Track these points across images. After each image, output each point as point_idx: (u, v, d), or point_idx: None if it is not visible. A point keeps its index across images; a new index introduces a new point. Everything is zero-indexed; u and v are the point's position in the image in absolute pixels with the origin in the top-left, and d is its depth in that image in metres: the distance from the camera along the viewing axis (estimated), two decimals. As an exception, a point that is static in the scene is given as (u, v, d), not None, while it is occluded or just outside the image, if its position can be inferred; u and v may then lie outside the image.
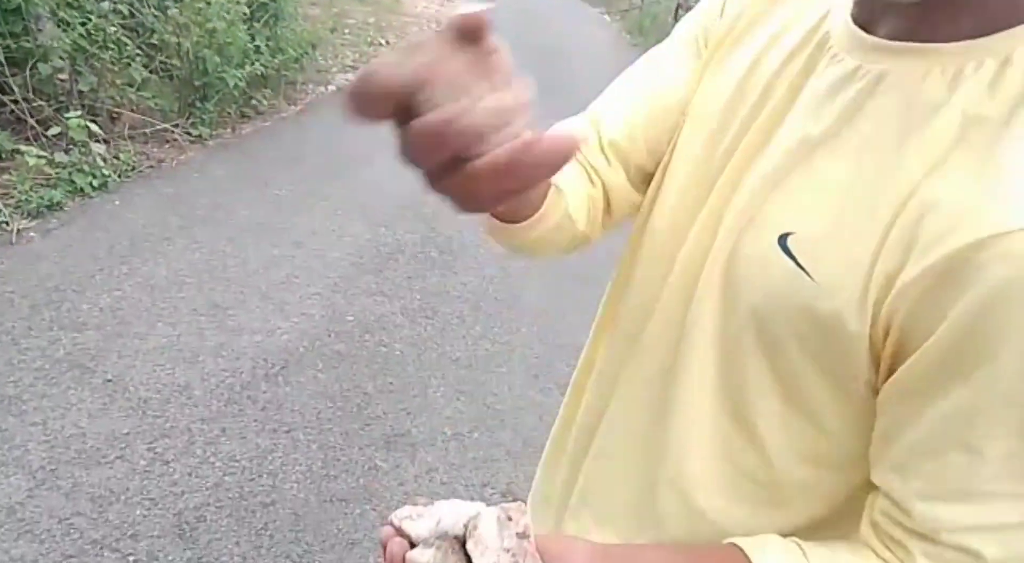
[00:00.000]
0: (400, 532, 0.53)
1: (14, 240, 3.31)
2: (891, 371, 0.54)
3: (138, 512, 2.16)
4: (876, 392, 0.56)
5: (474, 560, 0.50)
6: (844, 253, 0.54)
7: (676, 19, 14.76)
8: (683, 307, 0.67)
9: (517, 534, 0.51)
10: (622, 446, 0.76)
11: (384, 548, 0.54)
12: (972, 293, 0.47)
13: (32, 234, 3.40)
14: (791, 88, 0.63)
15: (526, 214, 0.68)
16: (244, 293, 3.27)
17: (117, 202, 3.85)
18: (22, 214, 3.48)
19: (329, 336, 3.10)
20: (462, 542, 0.51)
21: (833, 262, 0.54)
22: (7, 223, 3.36)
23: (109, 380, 2.63)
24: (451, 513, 0.53)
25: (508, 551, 0.50)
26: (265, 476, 2.37)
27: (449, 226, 4.36)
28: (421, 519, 0.53)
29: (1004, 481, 0.50)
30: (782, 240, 0.57)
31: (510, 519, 0.52)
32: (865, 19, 0.58)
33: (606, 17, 17.04)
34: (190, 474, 2.31)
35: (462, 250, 4.10)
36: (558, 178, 0.70)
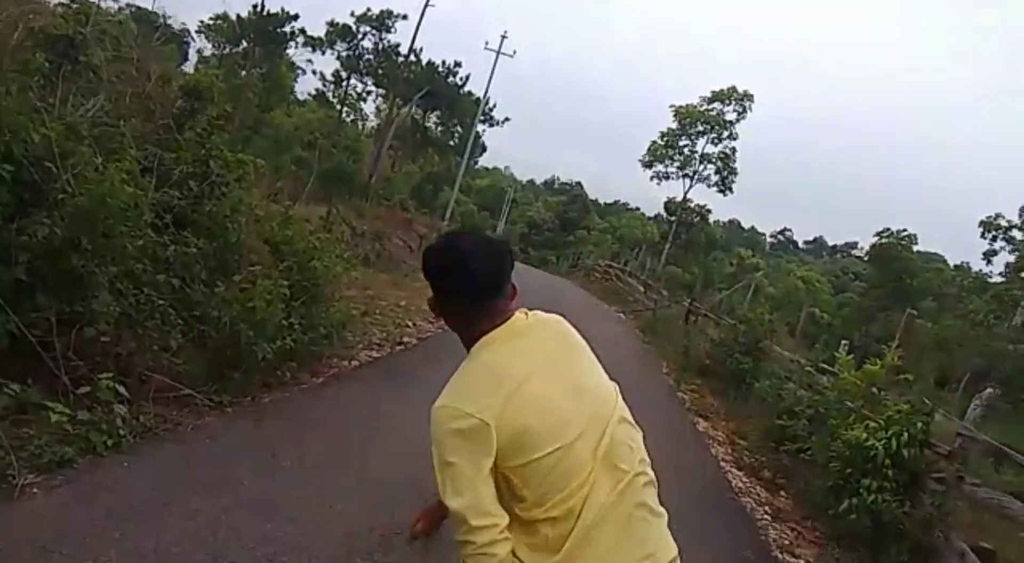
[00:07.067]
0: None
1: (16, 495, 3.23)
2: None
3: None
4: None
5: None
6: None
7: (687, 323, 15.81)
8: None
9: None
10: None
11: None
12: None
13: (36, 490, 3.32)
14: None
15: None
16: (229, 571, 3.08)
17: (126, 464, 3.81)
18: (31, 468, 3.44)
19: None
20: None
21: None
22: (14, 477, 3.30)
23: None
24: None
25: None
26: None
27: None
28: None
29: None
30: None
31: None
32: None
33: (621, 315, 19.29)
34: None
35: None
36: None
